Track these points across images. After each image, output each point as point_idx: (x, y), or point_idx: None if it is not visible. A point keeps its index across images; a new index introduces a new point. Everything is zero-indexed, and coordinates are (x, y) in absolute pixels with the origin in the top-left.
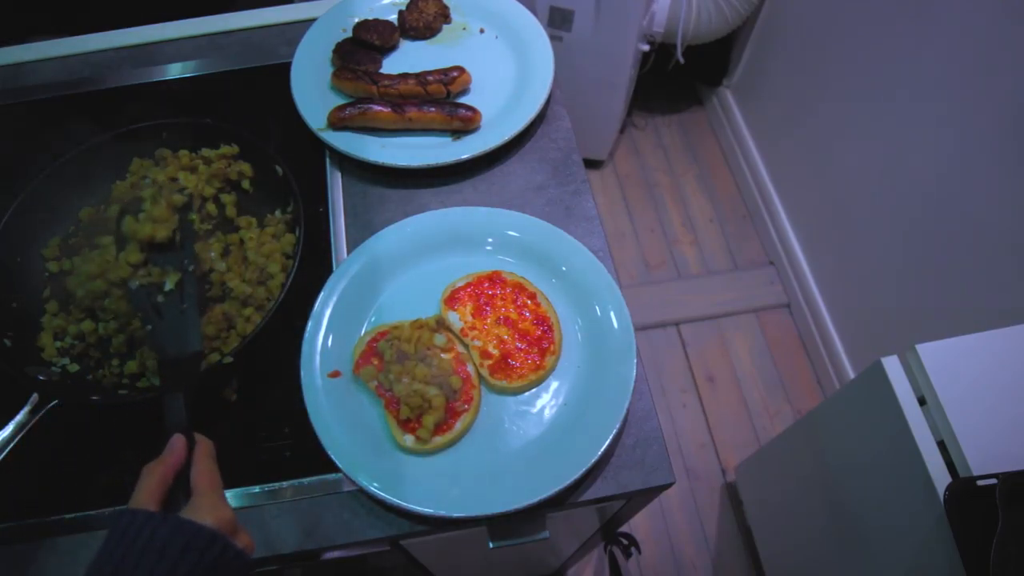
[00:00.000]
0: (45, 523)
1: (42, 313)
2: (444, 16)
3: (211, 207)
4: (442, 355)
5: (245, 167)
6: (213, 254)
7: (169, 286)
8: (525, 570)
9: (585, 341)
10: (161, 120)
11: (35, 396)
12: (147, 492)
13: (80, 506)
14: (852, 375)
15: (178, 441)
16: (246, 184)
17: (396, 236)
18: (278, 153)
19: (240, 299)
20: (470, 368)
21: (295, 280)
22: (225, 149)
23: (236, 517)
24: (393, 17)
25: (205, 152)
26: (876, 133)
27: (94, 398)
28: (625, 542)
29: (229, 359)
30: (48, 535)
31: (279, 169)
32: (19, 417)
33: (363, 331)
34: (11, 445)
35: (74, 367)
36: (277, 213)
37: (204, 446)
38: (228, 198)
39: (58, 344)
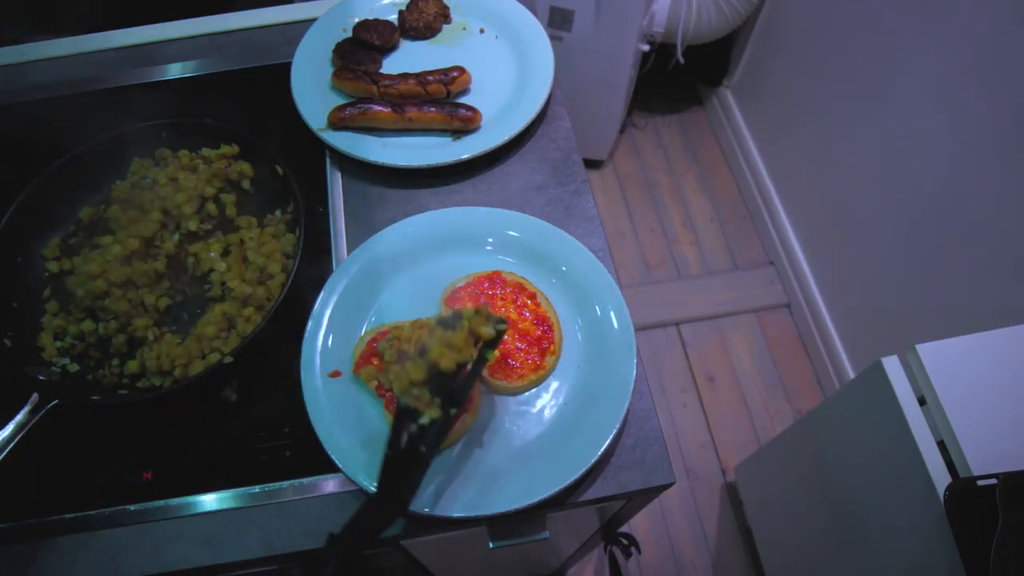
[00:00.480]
0: (45, 523)
1: (42, 313)
2: (444, 16)
3: (211, 207)
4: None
5: (245, 167)
6: (213, 254)
7: (425, 420)
8: (525, 570)
9: (585, 341)
10: (161, 120)
11: (35, 396)
12: None
13: (80, 506)
14: (852, 375)
15: None
16: (246, 184)
17: (396, 236)
18: (278, 153)
19: (240, 299)
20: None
21: (295, 280)
22: (225, 149)
23: None
24: (393, 17)
25: (205, 152)
26: (876, 133)
27: (94, 398)
28: (625, 542)
29: (229, 359)
30: (48, 535)
31: (279, 169)
32: (19, 417)
33: (363, 331)
34: (11, 445)
35: (74, 367)
36: (277, 213)
37: None
38: (228, 198)
39: (58, 344)
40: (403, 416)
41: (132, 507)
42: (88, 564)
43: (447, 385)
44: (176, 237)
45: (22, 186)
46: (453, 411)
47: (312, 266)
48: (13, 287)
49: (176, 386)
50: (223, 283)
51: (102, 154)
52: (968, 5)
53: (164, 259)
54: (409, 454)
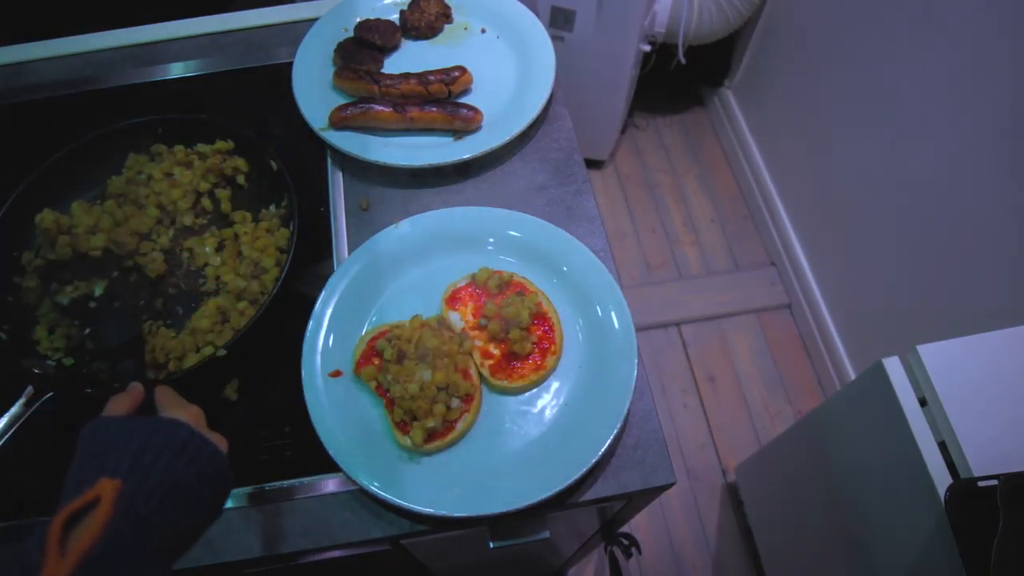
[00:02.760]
0: (42, 521)
1: (38, 307)
2: (446, 16)
3: (206, 202)
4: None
5: (240, 162)
6: (208, 249)
7: (99, 291)
8: (525, 570)
9: (586, 341)
10: (157, 116)
11: (29, 388)
12: (111, 411)
13: None
14: (853, 376)
15: (136, 384)
16: (241, 179)
17: (397, 236)
18: (277, 151)
19: (234, 293)
20: (471, 368)
21: (295, 278)
22: (220, 144)
23: (203, 414)
24: (395, 17)
25: (200, 147)
26: (877, 133)
27: (88, 391)
28: (625, 542)
29: (223, 352)
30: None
31: (274, 164)
32: (14, 409)
33: (364, 331)
34: (6, 437)
35: (69, 360)
36: (272, 208)
37: (161, 387)
38: (223, 193)
39: (53, 337)
40: (77, 310)
41: None
42: None
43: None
44: (171, 232)
45: (19, 181)
46: (115, 273)
47: (313, 266)
48: (8, 281)
49: (170, 379)
50: (217, 277)
51: (98, 150)
52: (968, 5)
53: (160, 253)
54: (109, 315)
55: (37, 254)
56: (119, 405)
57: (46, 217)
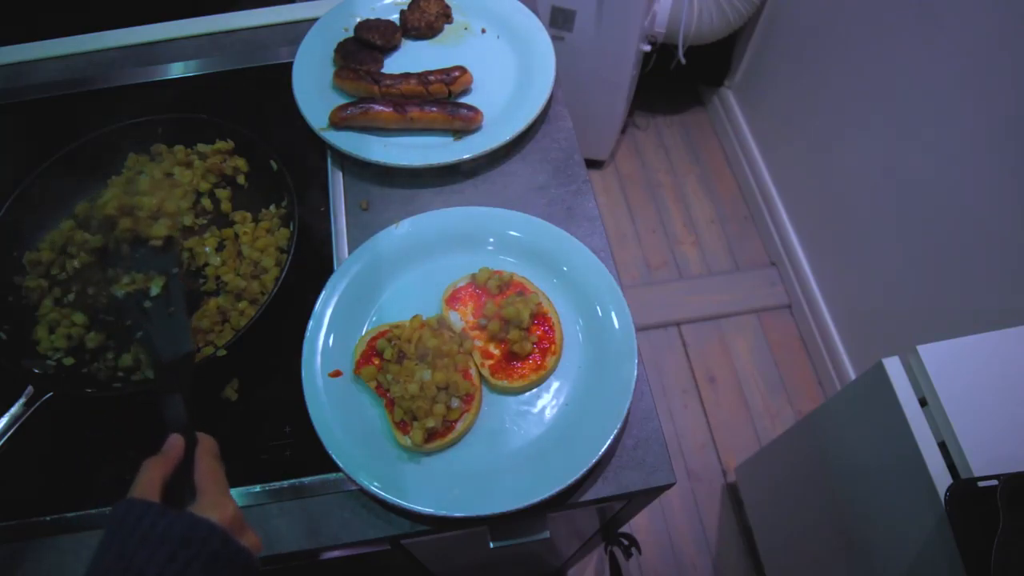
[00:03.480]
0: (45, 522)
1: (38, 307)
2: (446, 16)
3: (206, 202)
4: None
5: (240, 162)
6: (208, 249)
7: (155, 291)
8: (525, 570)
9: (586, 341)
10: (157, 116)
11: (30, 388)
12: (146, 483)
13: (81, 504)
14: (853, 376)
15: (176, 439)
16: (241, 179)
17: (397, 235)
18: (278, 152)
19: (234, 293)
20: (471, 368)
21: (295, 278)
22: (220, 144)
23: (242, 515)
24: (395, 17)
25: (200, 147)
26: (877, 133)
27: (88, 390)
28: (626, 542)
29: (223, 352)
30: (50, 534)
31: (274, 164)
32: (14, 409)
33: (364, 331)
34: (6, 437)
35: (69, 360)
36: (272, 208)
37: (206, 443)
38: (223, 193)
39: (53, 337)
40: (129, 304)
41: None
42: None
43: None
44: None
45: (19, 181)
46: (175, 270)
47: (313, 265)
48: (9, 280)
49: None
50: (217, 277)
51: (98, 149)
52: (968, 6)
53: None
54: (163, 320)
55: (93, 233)
56: (155, 473)
57: (110, 199)
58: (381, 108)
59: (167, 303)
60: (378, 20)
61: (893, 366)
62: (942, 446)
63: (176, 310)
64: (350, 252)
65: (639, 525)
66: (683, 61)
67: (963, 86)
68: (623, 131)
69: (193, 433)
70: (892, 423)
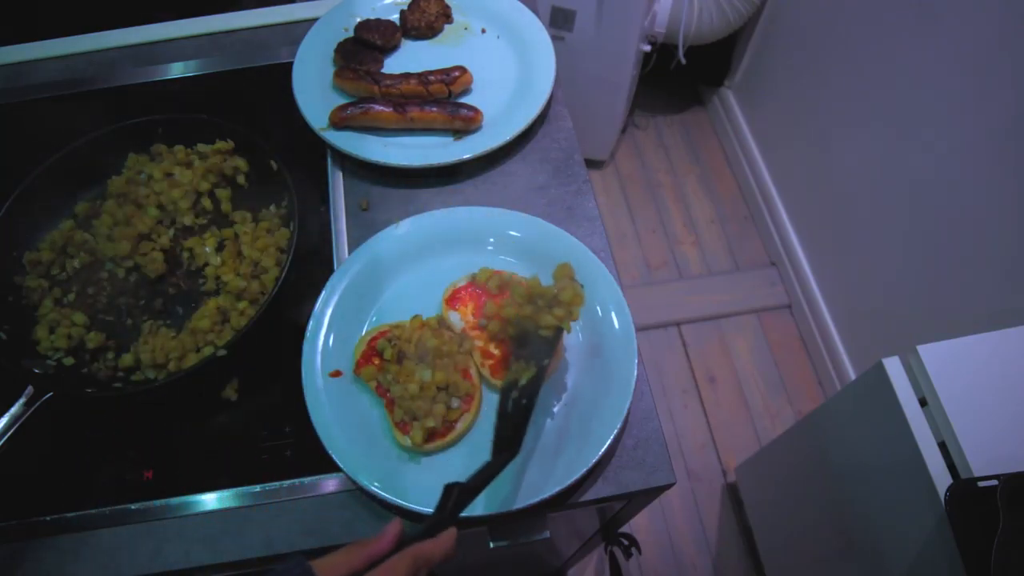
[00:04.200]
0: (46, 522)
1: (38, 307)
2: (446, 16)
3: (206, 202)
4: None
5: (240, 162)
6: (208, 248)
7: (523, 382)
8: (525, 570)
9: (586, 341)
10: (157, 116)
11: (30, 388)
12: (332, 564)
13: (81, 504)
14: (853, 376)
15: (393, 529)
16: (241, 179)
17: (397, 235)
18: (278, 151)
19: (234, 293)
20: (471, 368)
21: (295, 278)
22: (220, 144)
23: None
24: (395, 17)
25: (200, 147)
26: (877, 133)
27: (88, 390)
28: (626, 542)
29: (223, 352)
30: (49, 533)
31: (274, 164)
32: (14, 409)
33: (364, 331)
34: (6, 437)
35: (69, 360)
36: (272, 208)
37: (417, 552)
38: (223, 193)
39: (53, 337)
40: (507, 388)
41: (133, 506)
42: (89, 562)
43: (536, 346)
44: (171, 232)
45: (19, 181)
46: (545, 362)
47: (313, 265)
48: (9, 281)
49: (170, 379)
50: (217, 277)
51: (98, 149)
52: (968, 6)
53: (160, 253)
54: (516, 412)
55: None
56: (346, 559)
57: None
58: (381, 108)
59: (520, 396)
60: (378, 20)
61: (893, 366)
62: (942, 446)
63: (527, 404)
64: (350, 252)
65: (639, 525)
66: (683, 61)
67: (963, 86)
68: (623, 131)
69: (434, 532)
70: (892, 423)
